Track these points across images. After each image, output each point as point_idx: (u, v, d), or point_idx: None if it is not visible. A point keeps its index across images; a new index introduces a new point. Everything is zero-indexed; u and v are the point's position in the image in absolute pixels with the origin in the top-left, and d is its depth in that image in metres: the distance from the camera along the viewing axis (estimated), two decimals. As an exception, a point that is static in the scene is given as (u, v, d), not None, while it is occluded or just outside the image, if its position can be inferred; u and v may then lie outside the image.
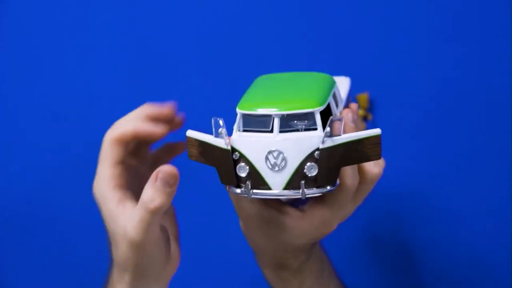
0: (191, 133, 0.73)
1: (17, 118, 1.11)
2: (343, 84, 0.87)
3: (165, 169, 0.71)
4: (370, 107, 1.07)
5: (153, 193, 0.72)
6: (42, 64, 1.10)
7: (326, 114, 0.73)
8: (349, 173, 0.73)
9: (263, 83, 0.76)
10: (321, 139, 0.68)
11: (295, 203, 0.79)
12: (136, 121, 0.79)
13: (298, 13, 1.06)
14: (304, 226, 0.77)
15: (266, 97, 0.71)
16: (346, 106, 0.82)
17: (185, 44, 1.08)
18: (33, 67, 1.10)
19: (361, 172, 0.76)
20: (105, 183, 0.76)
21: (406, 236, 1.09)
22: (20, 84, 1.10)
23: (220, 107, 1.10)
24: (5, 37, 1.10)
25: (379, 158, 0.70)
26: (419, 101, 1.06)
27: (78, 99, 1.10)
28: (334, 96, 0.76)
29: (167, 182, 0.72)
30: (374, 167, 0.76)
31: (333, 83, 0.76)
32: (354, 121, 0.76)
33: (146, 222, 0.73)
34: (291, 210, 0.77)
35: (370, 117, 1.07)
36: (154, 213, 0.72)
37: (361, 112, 1.07)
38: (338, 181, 0.72)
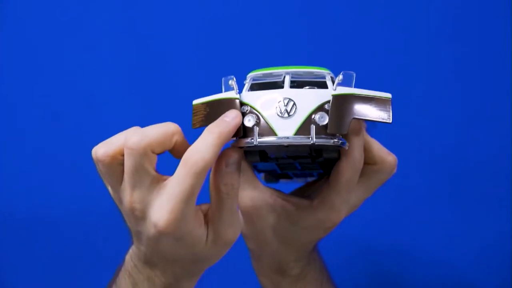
0: (197, 100, 0.72)
1: (17, 118, 1.11)
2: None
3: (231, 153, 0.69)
4: (370, 107, 1.07)
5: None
6: (42, 64, 1.10)
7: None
8: (355, 141, 0.72)
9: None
10: (334, 87, 0.68)
11: (301, 195, 0.77)
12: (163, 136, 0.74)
13: (298, 13, 1.06)
14: (312, 216, 0.75)
15: (275, 68, 0.71)
16: None
17: (185, 44, 1.08)
18: (33, 67, 1.10)
19: (373, 158, 0.75)
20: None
21: (404, 240, 1.09)
22: (20, 84, 1.10)
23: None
24: (5, 37, 1.10)
25: (389, 121, 0.69)
26: (419, 101, 1.06)
27: (78, 99, 1.10)
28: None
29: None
30: (388, 155, 0.76)
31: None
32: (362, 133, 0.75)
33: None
34: (299, 200, 0.76)
35: (370, 117, 1.07)
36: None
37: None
38: (348, 144, 0.70)
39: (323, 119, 0.68)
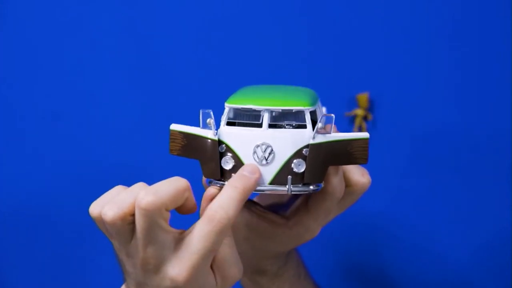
0: (175, 127, 0.72)
1: (17, 118, 1.11)
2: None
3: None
4: (370, 107, 1.07)
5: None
6: (42, 64, 1.10)
7: (313, 116, 0.73)
8: (335, 180, 0.73)
9: (250, 89, 0.76)
10: (312, 135, 0.68)
11: (278, 209, 0.78)
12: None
13: (299, 12, 1.06)
14: (287, 234, 0.76)
15: (256, 95, 0.71)
16: None
17: (185, 44, 1.08)
18: (32, 67, 1.10)
19: (348, 181, 0.76)
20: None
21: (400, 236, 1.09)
22: (20, 84, 1.10)
23: (219, 108, 1.10)
24: (5, 36, 1.10)
25: (366, 162, 0.70)
26: (419, 101, 1.06)
27: (78, 99, 1.10)
28: (319, 108, 0.76)
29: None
30: (361, 177, 0.76)
31: (318, 97, 0.76)
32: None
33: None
34: (275, 217, 0.76)
35: (370, 117, 1.07)
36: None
37: (361, 112, 1.07)
38: (322, 184, 0.71)
39: (301, 167, 0.68)
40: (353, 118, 1.07)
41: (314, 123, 0.72)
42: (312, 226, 0.76)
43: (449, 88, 1.06)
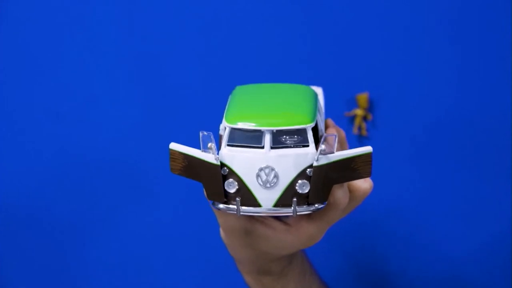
0: (174, 146, 0.71)
1: (16, 118, 1.11)
2: (319, 95, 0.86)
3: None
4: (370, 107, 1.07)
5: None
6: (42, 64, 1.10)
7: (314, 128, 0.72)
8: (340, 192, 0.72)
9: (246, 93, 0.75)
10: (315, 156, 0.67)
11: (280, 216, 0.78)
12: None
13: (299, 13, 1.06)
14: (289, 240, 0.75)
15: (254, 110, 0.70)
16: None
17: (185, 44, 1.09)
18: (32, 67, 1.10)
19: (350, 187, 0.76)
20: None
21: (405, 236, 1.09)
22: (20, 85, 1.11)
23: (219, 109, 1.10)
24: (5, 36, 1.10)
25: (369, 176, 0.70)
26: (419, 101, 1.06)
27: (78, 99, 1.10)
28: (319, 111, 0.75)
29: None
30: (363, 183, 0.76)
31: (316, 96, 0.75)
32: (339, 142, 0.77)
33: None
34: (276, 224, 0.76)
35: (370, 117, 1.07)
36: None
37: (361, 112, 1.07)
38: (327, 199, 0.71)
39: (305, 188, 0.68)
40: (353, 118, 1.07)
41: (316, 128, 0.72)
42: (315, 233, 0.75)
43: (449, 88, 1.06)
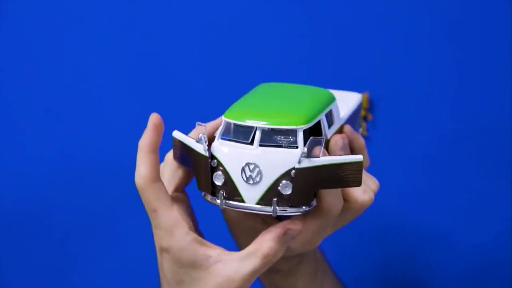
0: (176, 134, 0.73)
1: (16, 118, 1.11)
2: (349, 101, 0.85)
3: (296, 227, 0.70)
4: (370, 107, 1.07)
5: (277, 247, 0.69)
6: (42, 64, 1.10)
7: (316, 132, 0.72)
8: (329, 198, 0.71)
9: (261, 91, 0.75)
10: (298, 160, 0.67)
11: (281, 217, 0.78)
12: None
13: (299, 13, 1.06)
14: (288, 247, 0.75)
15: (254, 107, 0.70)
16: (352, 123, 0.81)
17: (185, 44, 1.09)
18: (32, 67, 1.10)
19: (348, 198, 0.73)
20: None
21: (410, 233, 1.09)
22: (20, 85, 1.10)
23: (221, 109, 1.10)
24: (5, 36, 1.10)
25: (359, 185, 0.68)
26: (419, 101, 1.06)
27: (78, 99, 1.10)
28: (330, 114, 0.74)
29: (292, 237, 0.70)
30: (363, 194, 0.73)
31: (331, 101, 0.75)
32: (343, 149, 0.73)
33: (259, 272, 0.70)
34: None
35: (370, 117, 1.07)
36: (268, 265, 0.70)
37: (361, 112, 1.07)
38: (314, 203, 0.70)
39: (288, 189, 0.67)
40: (353, 118, 1.07)
41: (318, 132, 0.71)
42: (308, 239, 0.74)
43: (449, 88, 1.06)
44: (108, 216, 1.09)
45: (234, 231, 0.78)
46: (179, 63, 1.09)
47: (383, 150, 1.07)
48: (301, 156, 0.66)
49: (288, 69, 1.07)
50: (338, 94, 0.83)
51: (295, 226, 0.69)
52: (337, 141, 0.73)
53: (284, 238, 0.69)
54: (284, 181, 0.67)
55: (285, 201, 0.68)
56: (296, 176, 0.67)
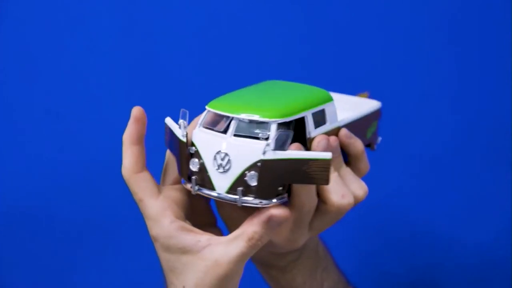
0: (167, 121, 0.74)
1: (16, 118, 1.11)
2: (361, 107, 0.83)
3: (281, 213, 0.68)
4: (370, 107, 1.07)
5: (262, 231, 0.69)
6: (42, 64, 1.10)
7: (301, 129, 0.71)
8: (302, 194, 0.70)
9: (256, 87, 0.76)
10: (263, 151, 0.67)
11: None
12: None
13: (299, 13, 1.07)
14: (268, 242, 0.73)
15: (238, 100, 0.71)
16: (358, 129, 0.80)
17: (185, 44, 1.09)
18: (32, 67, 1.10)
19: (325, 200, 0.72)
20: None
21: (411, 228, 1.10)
22: (20, 85, 1.10)
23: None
24: (5, 36, 1.10)
25: (327, 184, 0.66)
26: (419, 101, 1.06)
27: (79, 99, 1.10)
28: (321, 114, 0.74)
29: (278, 223, 0.69)
30: (341, 198, 0.72)
31: (324, 101, 0.74)
32: (326, 150, 0.71)
33: (246, 256, 0.69)
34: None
35: (370, 117, 1.07)
36: (254, 249, 0.69)
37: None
38: (286, 198, 0.70)
39: (253, 180, 0.68)
40: (353, 118, 1.07)
41: (302, 129, 0.71)
42: (287, 235, 0.73)
43: (449, 88, 1.06)
44: (108, 216, 1.09)
45: (229, 226, 0.78)
46: (179, 63, 1.09)
47: (383, 150, 1.07)
48: (265, 147, 0.67)
49: (288, 69, 1.07)
50: (353, 100, 0.83)
51: (280, 212, 0.68)
52: (319, 141, 0.71)
53: (269, 223, 0.68)
54: (252, 172, 0.67)
55: (252, 192, 0.68)
56: (262, 167, 0.67)
